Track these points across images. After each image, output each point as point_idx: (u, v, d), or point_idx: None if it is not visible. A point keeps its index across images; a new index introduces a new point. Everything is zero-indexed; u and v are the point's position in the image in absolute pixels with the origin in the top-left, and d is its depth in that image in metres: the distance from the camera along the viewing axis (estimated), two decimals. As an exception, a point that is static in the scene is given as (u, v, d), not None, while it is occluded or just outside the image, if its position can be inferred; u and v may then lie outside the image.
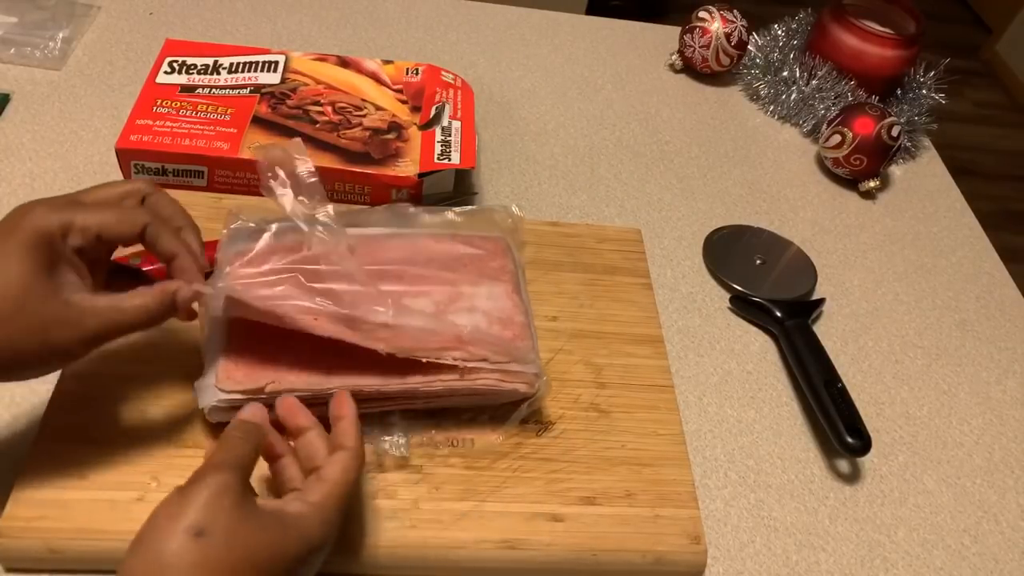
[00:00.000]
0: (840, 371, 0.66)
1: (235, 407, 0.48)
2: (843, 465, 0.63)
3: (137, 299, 0.44)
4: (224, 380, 0.49)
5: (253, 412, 0.45)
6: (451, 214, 0.62)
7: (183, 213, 0.48)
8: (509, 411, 0.54)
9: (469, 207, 0.64)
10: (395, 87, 0.77)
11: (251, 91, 0.73)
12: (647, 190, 0.83)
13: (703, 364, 0.68)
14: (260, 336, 0.50)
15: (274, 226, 0.56)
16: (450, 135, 0.73)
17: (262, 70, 0.76)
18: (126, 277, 0.48)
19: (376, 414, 0.53)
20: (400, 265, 0.56)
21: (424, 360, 0.50)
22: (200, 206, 0.65)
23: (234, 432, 0.42)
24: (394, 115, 0.74)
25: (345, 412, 0.46)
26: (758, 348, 0.70)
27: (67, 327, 0.41)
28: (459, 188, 0.75)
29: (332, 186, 0.70)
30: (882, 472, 0.63)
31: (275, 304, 0.48)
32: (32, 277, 0.40)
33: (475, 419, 0.55)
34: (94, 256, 0.45)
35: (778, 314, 0.70)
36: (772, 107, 0.96)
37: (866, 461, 0.63)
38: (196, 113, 0.70)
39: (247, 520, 0.37)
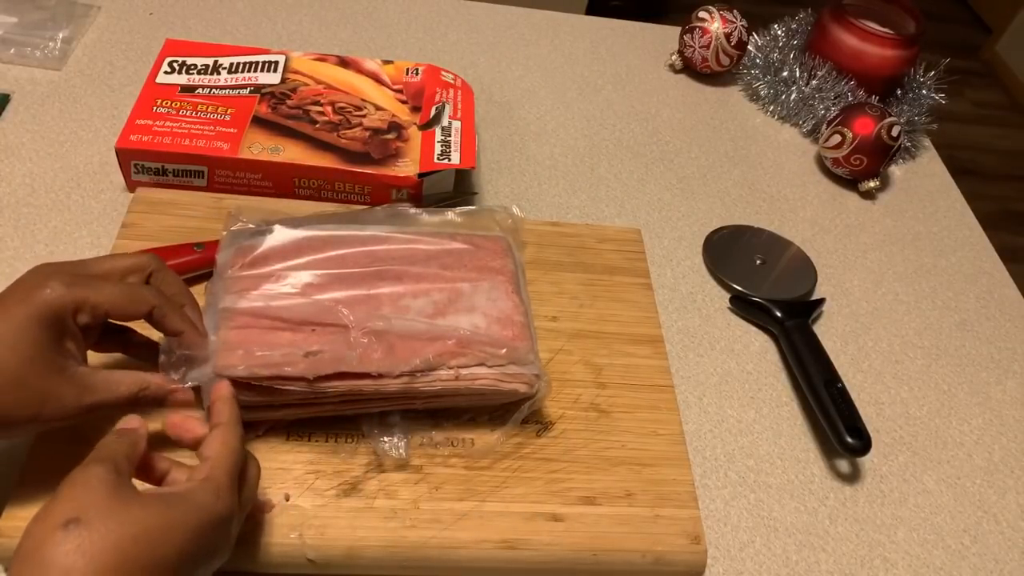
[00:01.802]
0: (840, 371, 0.66)
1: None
2: (843, 465, 0.63)
3: (129, 379, 0.45)
4: (223, 367, 0.48)
5: (128, 422, 0.43)
6: (451, 214, 0.62)
7: (186, 290, 0.49)
8: (509, 411, 0.54)
9: (469, 207, 0.64)
10: (395, 87, 0.77)
11: (251, 91, 0.73)
12: (647, 190, 0.83)
13: (703, 364, 0.68)
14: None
15: (275, 227, 0.56)
16: (450, 135, 0.73)
17: (262, 70, 0.76)
18: (115, 336, 0.49)
19: (376, 414, 0.53)
20: (400, 265, 0.56)
21: (419, 373, 0.50)
22: (200, 206, 0.65)
23: (108, 437, 0.41)
24: (394, 115, 0.74)
25: (220, 393, 0.45)
26: (758, 348, 0.70)
27: (62, 401, 0.42)
28: (459, 188, 0.75)
29: (332, 186, 0.70)
30: (882, 472, 0.63)
31: (271, 376, 0.48)
32: (38, 351, 0.41)
33: (475, 419, 0.55)
34: (93, 326, 0.45)
35: (778, 314, 0.70)
36: (772, 107, 0.96)
37: (866, 461, 0.63)
38: (196, 113, 0.70)
39: (124, 503, 0.36)
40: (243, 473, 0.43)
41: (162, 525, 0.36)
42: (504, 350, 0.52)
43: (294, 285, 0.53)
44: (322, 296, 0.52)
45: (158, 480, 0.43)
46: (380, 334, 0.51)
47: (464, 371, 0.51)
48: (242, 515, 0.42)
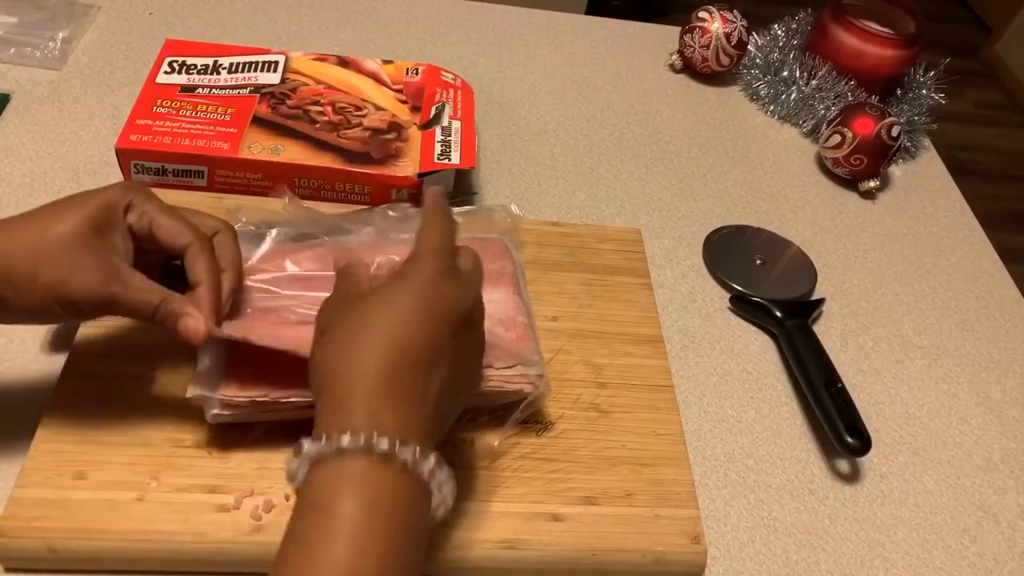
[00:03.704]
0: (840, 371, 0.66)
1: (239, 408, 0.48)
2: (843, 465, 0.63)
3: (156, 289, 0.46)
4: (228, 389, 0.49)
5: (436, 192, 0.47)
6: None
7: (238, 265, 0.51)
8: (509, 411, 0.54)
9: (468, 207, 0.64)
10: (395, 87, 0.77)
11: (251, 91, 0.73)
12: (647, 190, 0.83)
13: (703, 364, 0.68)
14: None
15: (274, 231, 0.56)
16: (450, 135, 0.73)
17: (262, 70, 0.76)
18: (179, 281, 0.49)
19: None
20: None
21: None
22: (200, 206, 0.65)
23: (434, 213, 0.45)
24: (394, 115, 0.74)
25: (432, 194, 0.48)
26: (758, 348, 0.70)
27: (87, 276, 0.43)
28: (459, 188, 0.75)
29: (332, 186, 0.70)
30: (882, 472, 0.63)
31: (279, 339, 0.48)
32: (82, 228, 0.44)
33: (475, 419, 0.55)
34: (147, 249, 0.48)
35: (778, 314, 0.70)
36: (772, 107, 0.96)
37: (866, 461, 0.63)
38: (196, 113, 0.70)
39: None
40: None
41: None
42: (512, 351, 0.52)
43: (291, 295, 0.53)
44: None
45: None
46: None
47: None
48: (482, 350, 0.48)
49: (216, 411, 0.48)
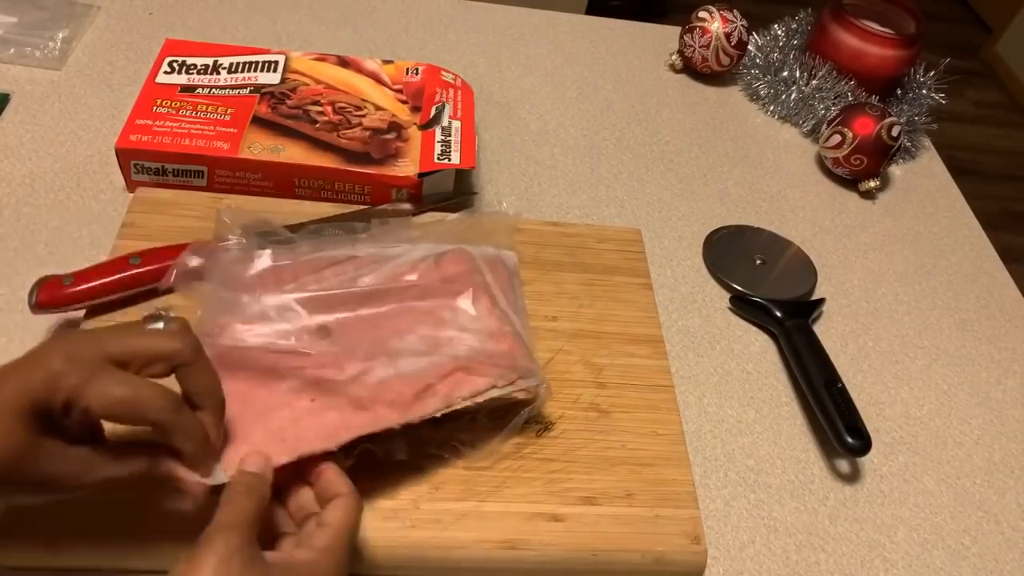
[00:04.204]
0: (840, 371, 0.66)
1: None
2: (843, 465, 0.63)
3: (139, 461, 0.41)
4: (229, 464, 0.44)
5: (254, 461, 0.43)
6: (443, 222, 0.60)
7: (214, 391, 0.42)
8: (510, 411, 0.54)
9: (459, 215, 0.62)
10: (395, 87, 0.77)
11: (251, 91, 0.73)
12: (647, 190, 0.83)
13: (703, 364, 0.68)
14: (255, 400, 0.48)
15: (267, 252, 0.54)
16: (450, 135, 0.73)
17: (262, 70, 0.76)
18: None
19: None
20: (374, 307, 0.53)
21: (440, 414, 0.49)
22: (200, 206, 0.65)
23: (237, 488, 0.40)
24: (394, 115, 0.74)
25: (326, 466, 0.45)
26: (758, 348, 0.70)
27: (43, 474, 0.38)
28: (459, 188, 0.75)
29: (332, 186, 0.70)
30: (882, 472, 0.63)
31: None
32: (14, 434, 0.37)
33: (475, 419, 0.55)
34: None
35: (778, 314, 0.70)
36: (772, 107, 0.96)
37: (866, 461, 0.63)
38: (196, 113, 0.70)
39: None
40: None
41: None
42: (509, 365, 0.51)
43: (280, 333, 0.50)
44: (311, 346, 0.50)
45: (267, 535, 0.43)
46: (383, 385, 0.49)
47: (480, 398, 0.51)
48: None
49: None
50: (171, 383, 0.41)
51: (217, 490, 0.41)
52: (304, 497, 0.45)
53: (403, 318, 0.53)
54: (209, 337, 0.47)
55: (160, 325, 0.42)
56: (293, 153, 0.69)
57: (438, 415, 0.49)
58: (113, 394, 0.37)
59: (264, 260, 0.54)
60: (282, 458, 0.44)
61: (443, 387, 0.50)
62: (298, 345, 0.48)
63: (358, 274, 0.55)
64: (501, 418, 0.54)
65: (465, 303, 0.55)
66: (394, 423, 0.47)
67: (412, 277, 0.56)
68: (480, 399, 0.51)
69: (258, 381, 0.48)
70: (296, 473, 0.45)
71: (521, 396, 0.53)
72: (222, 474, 0.42)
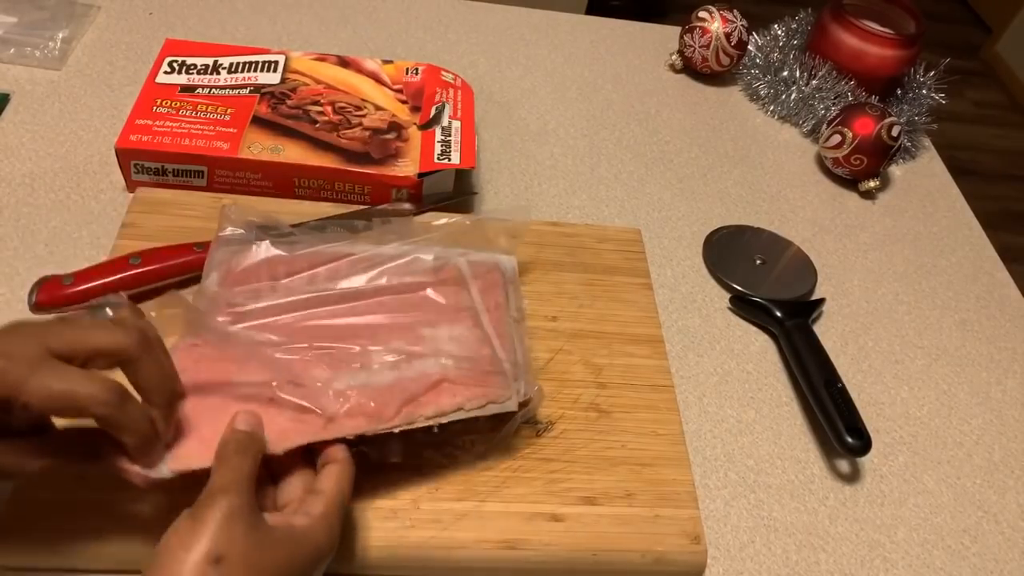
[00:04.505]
0: (840, 371, 0.66)
1: None
2: (843, 465, 0.63)
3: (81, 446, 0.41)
4: (177, 459, 0.42)
5: (244, 419, 0.42)
6: (448, 226, 0.58)
7: (165, 386, 0.41)
8: (503, 416, 0.53)
9: (460, 219, 0.62)
10: (395, 87, 0.77)
11: (251, 91, 0.73)
12: (647, 190, 0.83)
13: (703, 364, 0.68)
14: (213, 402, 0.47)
15: (264, 244, 0.54)
16: (450, 135, 0.73)
17: (262, 70, 0.76)
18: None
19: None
20: (355, 316, 0.53)
21: (398, 431, 0.47)
22: (200, 206, 0.65)
23: (228, 447, 0.40)
24: (394, 115, 0.74)
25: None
26: (758, 348, 0.70)
27: None
28: (459, 188, 0.75)
29: (332, 186, 0.70)
30: (882, 472, 0.63)
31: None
32: None
33: (475, 419, 0.55)
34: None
35: (778, 314, 0.70)
36: (772, 107, 0.96)
37: (866, 461, 0.63)
38: (196, 113, 0.70)
39: (261, 541, 0.38)
40: None
41: (289, 562, 0.39)
42: (483, 392, 0.50)
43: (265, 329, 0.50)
44: (292, 349, 0.49)
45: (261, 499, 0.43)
46: (346, 394, 0.47)
47: (443, 419, 0.49)
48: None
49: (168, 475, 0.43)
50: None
51: (173, 483, 0.41)
52: (301, 475, 0.45)
53: (380, 329, 0.52)
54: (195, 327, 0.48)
55: (108, 313, 0.41)
56: (293, 153, 0.69)
57: (396, 431, 0.47)
58: (51, 389, 0.36)
59: (262, 251, 0.54)
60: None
61: (407, 404, 0.48)
62: (270, 345, 0.48)
63: (351, 273, 0.55)
64: (500, 420, 0.54)
65: (446, 323, 0.53)
66: (347, 434, 0.45)
67: (402, 282, 0.55)
68: (443, 420, 0.49)
69: (224, 377, 0.47)
70: (290, 456, 0.45)
71: (499, 412, 0.51)
72: (165, 468, 0.41)
